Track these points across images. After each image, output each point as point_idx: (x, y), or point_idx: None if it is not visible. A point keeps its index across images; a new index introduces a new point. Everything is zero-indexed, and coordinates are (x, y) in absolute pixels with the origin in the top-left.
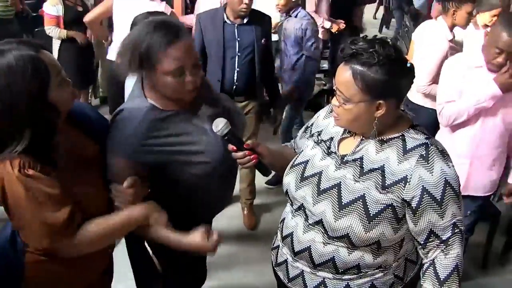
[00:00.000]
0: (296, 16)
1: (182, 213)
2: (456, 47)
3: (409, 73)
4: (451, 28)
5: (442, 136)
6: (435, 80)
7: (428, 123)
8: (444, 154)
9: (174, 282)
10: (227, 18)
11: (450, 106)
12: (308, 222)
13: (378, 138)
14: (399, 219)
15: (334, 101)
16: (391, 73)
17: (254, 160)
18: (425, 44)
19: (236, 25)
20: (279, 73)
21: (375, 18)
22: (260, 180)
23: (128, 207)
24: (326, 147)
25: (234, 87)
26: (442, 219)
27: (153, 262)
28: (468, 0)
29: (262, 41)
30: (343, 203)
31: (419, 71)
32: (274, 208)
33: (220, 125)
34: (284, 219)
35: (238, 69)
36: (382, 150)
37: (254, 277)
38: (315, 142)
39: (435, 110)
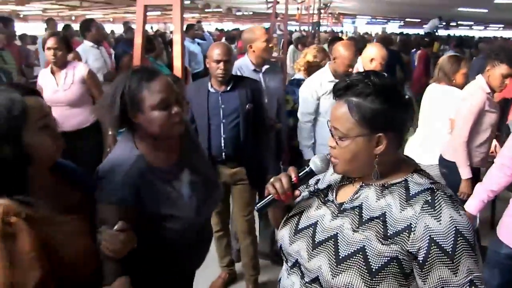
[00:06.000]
0: None
1: (155, 268)
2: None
3: (407, 104)
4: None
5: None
6: None
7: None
8: (453, 200)
9: None
10: (211, 86)
11: None
12: (304, 280)
13: (379, 184)
14: (406, 275)
15: (330, 142)
16: (388, 102)
17: None
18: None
19: (220, 92)
20: None
21: None
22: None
23: (113, 257)
24: (322, 196)
25: (223, 154)
26: (456, 276)
27: None
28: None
29: (247, 106)
30: (340, 257)
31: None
32: None
33: None
34: (280, 279)
35: (224, 136)
36: (383, 196)
37: None
38: (310, 192)
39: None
